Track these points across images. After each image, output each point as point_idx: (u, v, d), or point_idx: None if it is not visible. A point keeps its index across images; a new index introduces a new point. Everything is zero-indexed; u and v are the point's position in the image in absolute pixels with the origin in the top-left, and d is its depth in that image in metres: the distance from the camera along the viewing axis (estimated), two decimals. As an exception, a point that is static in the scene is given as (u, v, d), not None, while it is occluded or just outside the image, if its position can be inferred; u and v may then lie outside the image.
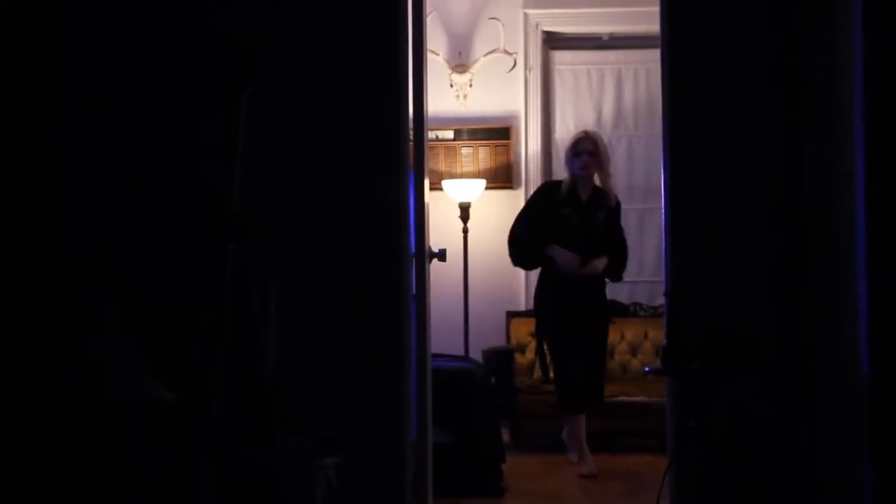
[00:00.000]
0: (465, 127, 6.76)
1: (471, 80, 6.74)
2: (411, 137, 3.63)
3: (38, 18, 3.43)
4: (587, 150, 5.37)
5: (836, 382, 3.25)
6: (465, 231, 6.48)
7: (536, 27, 6.78)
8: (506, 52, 6.71)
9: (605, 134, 6.32)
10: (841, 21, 3.15)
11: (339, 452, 3.26)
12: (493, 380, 5.61)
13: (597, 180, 5.47)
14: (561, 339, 5.44)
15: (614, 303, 6.13)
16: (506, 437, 5.55)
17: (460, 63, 6.76)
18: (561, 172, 6.00)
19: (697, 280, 3.46)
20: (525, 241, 5.46)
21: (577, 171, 5.41)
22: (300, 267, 3.50)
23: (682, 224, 3.50)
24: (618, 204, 5.56)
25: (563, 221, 5.38)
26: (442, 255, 3.84)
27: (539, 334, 5.68)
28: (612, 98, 7.03)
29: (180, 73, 3.46)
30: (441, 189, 6.44)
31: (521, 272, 6.30)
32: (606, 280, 5.51)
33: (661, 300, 6.09)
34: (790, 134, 3.44)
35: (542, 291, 5.54)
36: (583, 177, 5.41)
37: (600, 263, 5.36)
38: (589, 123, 6.62)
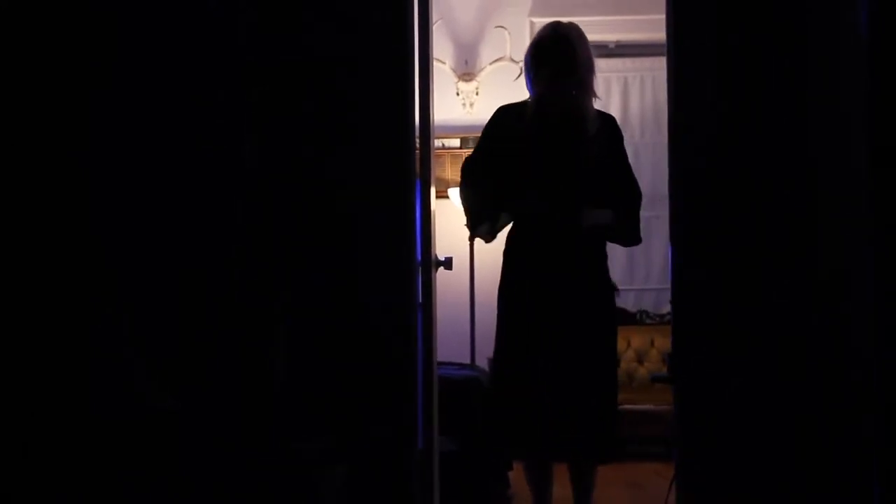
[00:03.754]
0: (472, 135, 6.75)
1: (477, 88, 6.75)
2: (418, 146, 3.63)
3: (51, 21, 3.44)
4: (563, 52, 3.81)
5: (843, 385, 3.25)
6: (472, 239, 6.48)
7: (543, 35, 6.78)
8: (512, 60, 6.71)
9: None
10: (844, 25, 3.15)
11: (346, 460, 3.27)
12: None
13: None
14: (515, 340, 3.84)
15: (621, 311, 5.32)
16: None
17: (466, 71, 6.77)
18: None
19: (704, 288, 3.46)
20: (478, 193, 3.97)
21: (543, 91, 3.86)
22: (306, 274, 3.50)
23: (688, 232, 3.50)
24: (611, 128, 3.94)
25: (529, 155, 3.85)
26: (448, 264, 3.82)
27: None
28: (619, 106, 7.03)
29: (187, 79, 3.47)
30: (447, 197, 6.44)
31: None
32: (606, 252, 3.93)
33: (667, 308, 6.12)
34: (797, 141, 3.44)
35: (504, 274, 3.96)
36: (554, 95, 3.87)
37: (602, 216, 3.83)
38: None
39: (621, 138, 4.02)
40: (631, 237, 3.98)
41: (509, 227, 4.06)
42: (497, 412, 3.95)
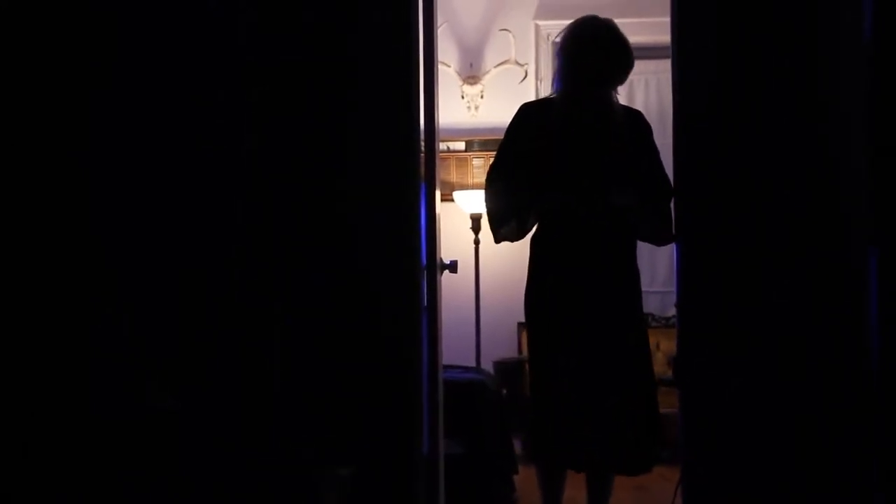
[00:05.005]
0: (477, 138, 6.76)
1: (482, 91, 6.74)
2: (423, 149, 3.63)
3: (51, 21, 3.44)
4: (616, 57, 3.78)
5: (850, 389, 3.25)
6: (477, 242, 6.48)
7: (547, 38, 6.78)
8: (517, 63, 6.71)
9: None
10: (847, 27, 3.15)
11: (351, 463, 3.26)
12: (504, 391, 5.60)
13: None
14: (547, 337, 3.81)
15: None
16: (518, 448, 5.54)
17: (471, 74, 6.76)
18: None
19: (710, 291, 3.45)
20: (505, 195, 3.85)
21: (582, 90, 3.79)
22: (310, 278, 3.50)
23: (693, 234, 3.50)
24: (636, 122, 3.89)
25: (558, 152, 3.78)
26: (453, 267, 3.82)
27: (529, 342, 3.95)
28: (623, 108, 7.01)
29: (187, 79, 3.47)
30: (452, 200, 6.43)
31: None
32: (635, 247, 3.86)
33: (672, 310, 6.10)
34: (804, 140, 3.43)
35: (532, 275, 3.90)
36: (593, 96, 3.81)
37: (625, 195, 3.76)
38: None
39: (650, 131, 3.92)
40: (662, 232, 3.78)
41: (534, 228, 3.99)
42: (536, 417, 3.87)
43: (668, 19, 3.63)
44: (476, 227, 6.47)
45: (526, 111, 3.99)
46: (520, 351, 6.44)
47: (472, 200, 6.46)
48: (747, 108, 3.46)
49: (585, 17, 3.91)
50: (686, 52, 3.52)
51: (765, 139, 3.45)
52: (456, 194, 6.49)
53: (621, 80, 3.83)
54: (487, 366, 6.16)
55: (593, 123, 3.82)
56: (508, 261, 6.58)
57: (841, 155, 3.32)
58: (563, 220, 3.84)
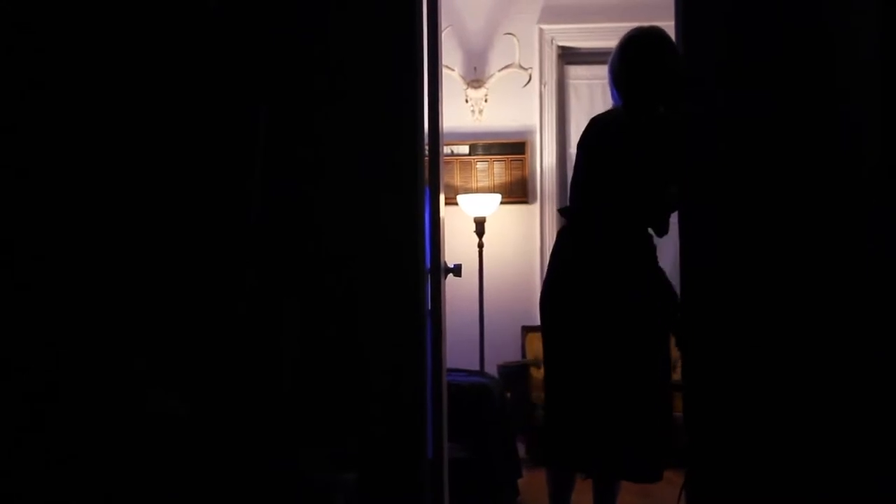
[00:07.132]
0: (481, 142, 6.76)
1: (486, 95, 6.75)
2: (427, 152, 3.63)
3: (51, 21, 3.44)
4: (647, 56, 3.80)
5: (856, 392, 3.24)
6: (481, 246, 6.48)
7: (551, 42, 6.78)
8: (521, 67, 6.71)
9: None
10: (854, 28, 3.14)
11: (356, 468, 3.26)
12: (508, 395, 5.60)
13: None
14: (576, 343, 3.75)
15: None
16: (522, 452, 5.54)
17: (475, 78, 6.77)
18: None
19: (714, 293, 3.45)
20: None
21: (625, 104, 3.82)
22: (315, 282, 3.50)
23: (697, 237, 3.49)
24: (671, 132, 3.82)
25: (617, 164, 3.78)
26: (457, 270, 3.83)
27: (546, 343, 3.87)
28: (628, 112, 7.02)
29: (188, 80, 3.47)
30: (456, 204, 6.44)
31: (537, 286, 6.25)
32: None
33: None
34: (807, 141, 3.42)
35: (558, 278, 3.86)
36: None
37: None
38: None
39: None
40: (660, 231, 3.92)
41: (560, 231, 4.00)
42: (551, 420, 3.85)
43: (671, 23, 3.63)
44: (480, 231, 6.47)
45: (594, 124, 3.94)
46: (524, 355, 6.44)
47: (477, 204, 6.46)
48: (750, 110, 3.45)
49: (634, 30, 3.90)
50: (690, 54, 3.53)
51: (767, 140, 3.45)
52: (460, 198, 6.49)
53: (664, 86, 3.76)
54: (491, 369, 6.16)
55: (639, 133, 3.78)
56: (512, 264, 6.60)
57: (845, 156, 3.32)
58: (600, 227, 3.83)
